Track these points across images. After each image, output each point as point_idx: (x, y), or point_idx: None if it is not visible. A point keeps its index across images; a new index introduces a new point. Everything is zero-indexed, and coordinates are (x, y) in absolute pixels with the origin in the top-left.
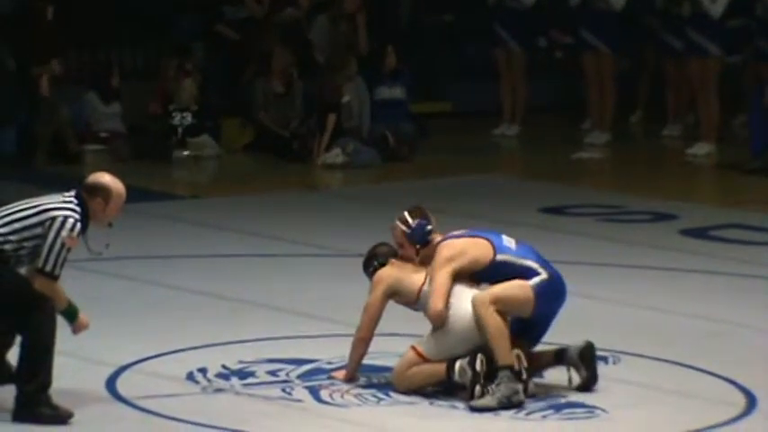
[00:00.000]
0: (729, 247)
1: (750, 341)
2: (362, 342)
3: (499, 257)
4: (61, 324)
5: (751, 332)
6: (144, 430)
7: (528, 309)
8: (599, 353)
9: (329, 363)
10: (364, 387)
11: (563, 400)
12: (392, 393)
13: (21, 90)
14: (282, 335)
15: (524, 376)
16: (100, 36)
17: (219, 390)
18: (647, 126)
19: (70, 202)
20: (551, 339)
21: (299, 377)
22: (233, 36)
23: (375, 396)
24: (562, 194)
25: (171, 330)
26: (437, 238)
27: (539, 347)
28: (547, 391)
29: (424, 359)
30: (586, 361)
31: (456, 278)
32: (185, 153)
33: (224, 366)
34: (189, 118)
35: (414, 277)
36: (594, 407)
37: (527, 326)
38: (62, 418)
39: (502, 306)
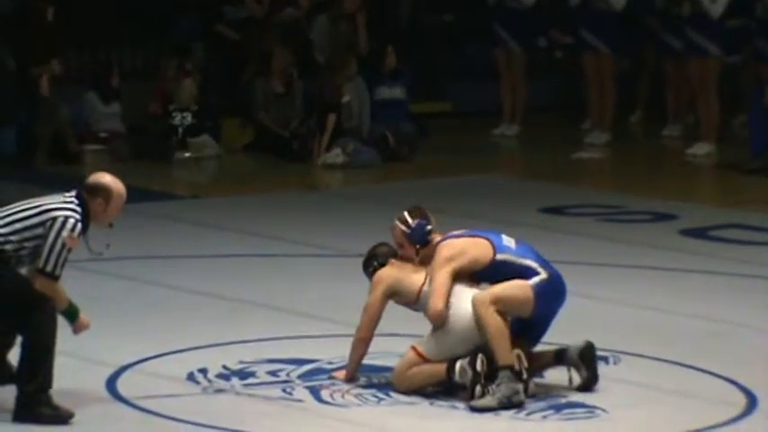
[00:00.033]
0: (729, 247)
1: (750, 341)
2: (362, 342)
3: (499, 257)
4: (62, 324)
5: (751, 332)
6: (144, 430)
7: (528, 309)
8: (599, 353)
9: (330, 363)
10: (365, 387)
11: (563, 401)
12: (392, 393)
13: (21, 90)
14: (283, 335)
15: (525, 376)
16: (100, 36)
17: (220, 390)
18: (647, 126)
19: (71, 202)
20: (551, 339)
21: (299, 377)
22: (233, 36)
23: (375, 396)
24: (562, 194)
25: (171, 330)
26: (437, 237)
27: (539, 347)
28: (547, 392)
29: (424, 359)
30: (587, 361)
31: (456, 278)
32: (186, 155)
33: (224, 366)
34: (189, 118)
35: (413, 277)
36: (595, 407)
37: (527, 326)
38: (62, 418)
39: (502, 306)
